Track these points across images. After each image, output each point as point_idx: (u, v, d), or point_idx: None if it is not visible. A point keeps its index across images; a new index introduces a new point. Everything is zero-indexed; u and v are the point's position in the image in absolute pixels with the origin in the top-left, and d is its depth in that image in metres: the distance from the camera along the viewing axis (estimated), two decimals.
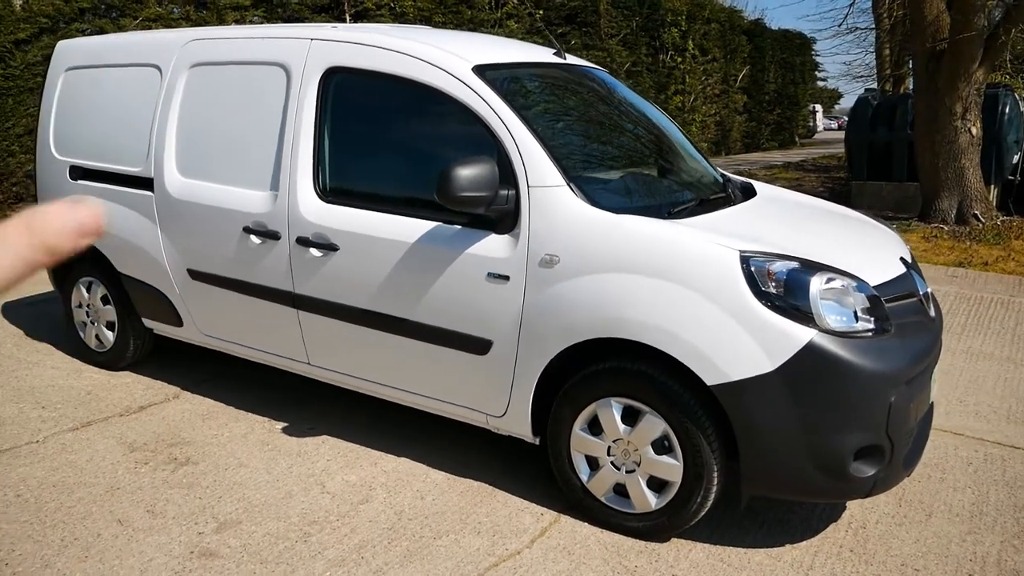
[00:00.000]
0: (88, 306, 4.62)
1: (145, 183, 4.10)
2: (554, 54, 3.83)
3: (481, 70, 3.20)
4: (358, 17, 12.55)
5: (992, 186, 10.83)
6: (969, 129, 9.97)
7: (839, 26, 20.09)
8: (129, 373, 4.57)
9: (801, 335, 2.58)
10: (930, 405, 3.10)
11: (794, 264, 2.69)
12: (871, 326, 2.69)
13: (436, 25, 13.59)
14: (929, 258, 8.32)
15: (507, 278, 3.00)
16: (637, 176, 3.53)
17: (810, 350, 2.57)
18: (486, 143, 3.06)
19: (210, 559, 2.79)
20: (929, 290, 3.13)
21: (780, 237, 3.00)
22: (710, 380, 2.66)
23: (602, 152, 3.58)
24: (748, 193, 3.81)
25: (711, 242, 2.73)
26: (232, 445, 3.68)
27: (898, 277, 2.98)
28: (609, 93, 3.99)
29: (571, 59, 3.99)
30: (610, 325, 2.81)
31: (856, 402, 2.58)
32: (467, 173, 2.82)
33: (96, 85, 4.39)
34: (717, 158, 23.13)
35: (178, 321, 4.18)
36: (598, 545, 2.91)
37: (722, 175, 4.00)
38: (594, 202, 2.93)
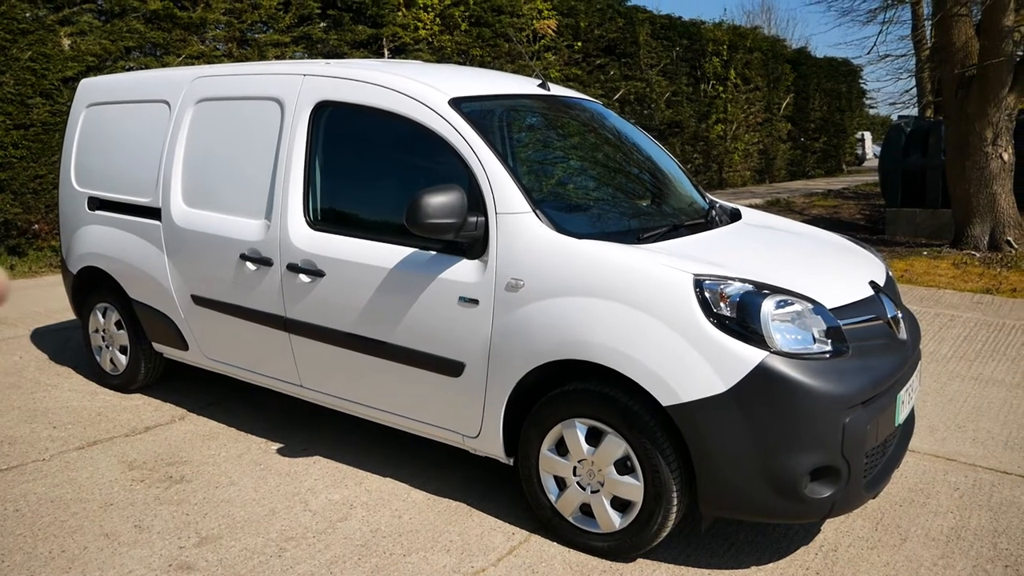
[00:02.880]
0: (103, 331, 4.84)
1: (154, 213, 4.31)
2: (538, 86, 3.94)
3: (457, 102, 3.33)
4: (396, 52, 12.92)
5: None
6: (1001, 155, 9.82)
7: (867, 53, 19.93)
8: (141, 395, 4.76)
9: (752, 356, 2.62)
10: (901, 427, 3.09)
11: (747, 287, 2.73)
12: (827, 348, 2.71)
13: (474, 59, 13.91)
14: (957, 285, 8.18)
15: (476, 302, 3.09)
16: (610, 202, 3.61)
17: (761, 371, 2.60)
18: (459, 172, 3.18)
19: (186, 572, 2.91)
20: (899, 313, 3.13)
21: (744, 261, 3.05)
22: (665, 401, 2.71)
23: (575, 180, 3.68)
24: (734, 218, 3.86)
25: (666, 266, 2.79)
26: (227, 464, 3.81)
27: (862, 300, 3.00)
28: (594, 123, 4.09)
29: (558, 90, 4.10)
30: (572, 347, 2.88)
31: (808, 423, 2.60)
32: (435, 201, 2.94)
33: (113, 120, 4.65)
34: (760, 186, 23.03)
35: (184, 345, 4.36)
36: (563, 564, 2.96)
37: (709, 201, 4.05)
38: (559, 228, 3.02)
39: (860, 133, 35.51)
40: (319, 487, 3.58)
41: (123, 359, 4.75)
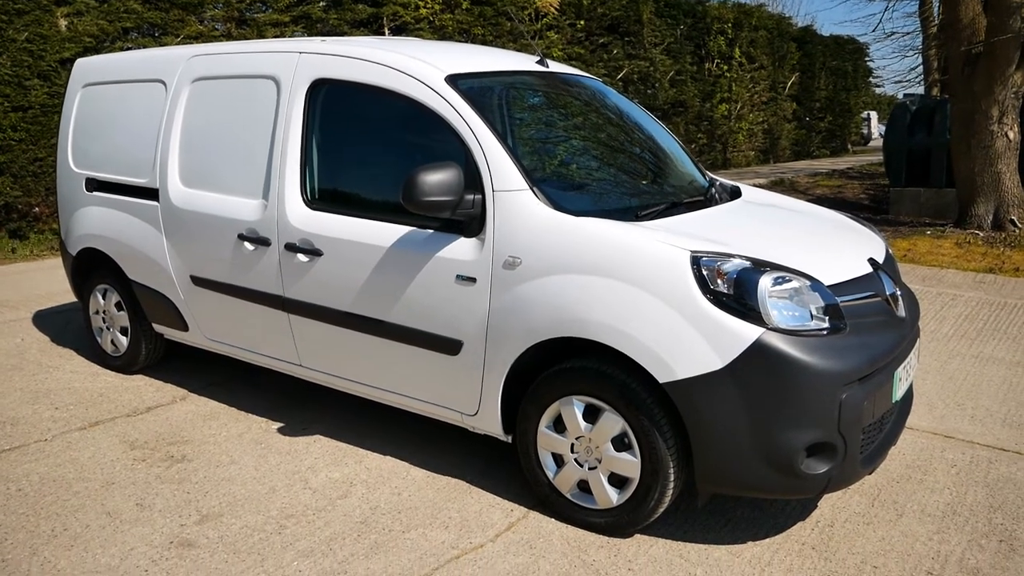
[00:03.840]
0: (104, 312, 4.85)
1: (151, 193, 4.30)
2: (536, 62, 3.92)
3: (453, 79, 3.31)
4: (396, 32, 12.84)
5: None
6: (1006, 133, 9.74)
7: (873, 30, 19.74)
8: (142, 376, 4.78)
9: (749, 333, 2.61)
10: (899, 404, 3.09)
11: (745, 263, 2.72)
12: (824, 324, 2.71)
13: (475, 38, 13.82)
14: (960, 264, 8.16)
15: (474, 280, 3.09)
16: (609, 180, 3.60)
17: (758, 348, 2.60)
18: (456, 150, 3.16)
19: (187, 549, 2.93)
20: (897, 291, 3.12)
21: (742, 238, 3.04)
22: (662, 378, 2.71)
23: (573, 157, 3.66)
24: (734, 196, 3.84)
25: (663, 243, 2.78)
26: (228, 444, 3.83)
27: (861, 277, 2.99)
28: (594, 100, 4.07)
29: (557, 67, 4.08)
30: (569, 325, 2.88)
31: (804, 399, 2.61)
32: (431, 178, 2.93)
33: (110, 100, 4.63)
34: (764, 166, 22.92)
35: (184, 326, 4.37)
36: (561, 540, 2.98)
37: (709, 179, 4.03)
38: (557, 205, 3.01)
39: (866, 112, 35.28)
40: (319, 465, 3.60)
41: (124, 340, 4.77)
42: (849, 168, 21.13)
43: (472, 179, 3.09)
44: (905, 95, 14.86)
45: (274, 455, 3.71)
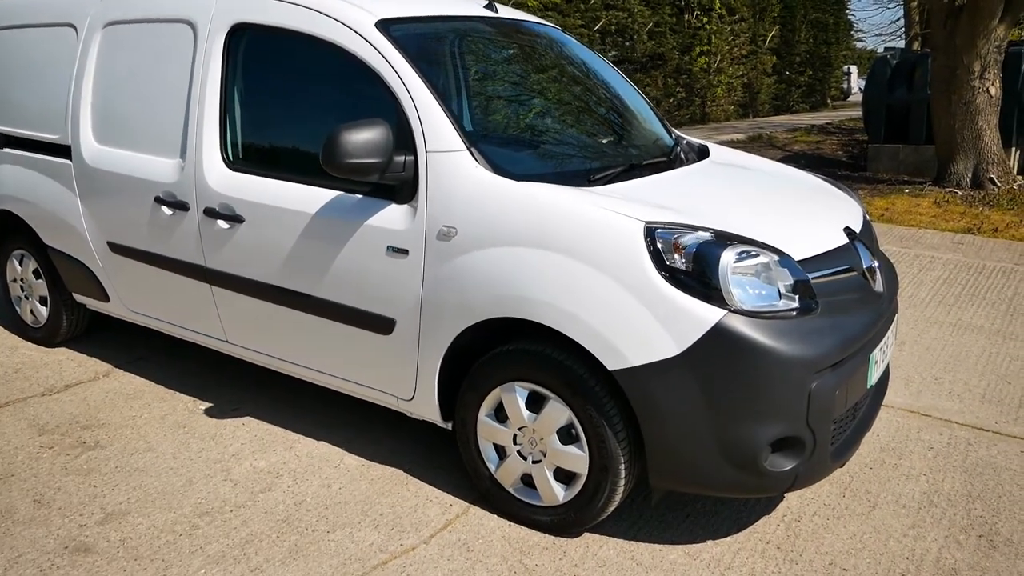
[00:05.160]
0: (21, 280, 4.47)
1: (64, 151, 3.90)
2: (484, 7, 3.53)
3: (386, 24, 2.93)
4: None
5: (1013, 148, 10.30)
6: (987, 89, 9.45)
7: None
8: (65, 349, 4.42)
9: (709, 315, 2.31)
10: (874, 388, 2.82)
11: (706, 235, 2.41)
12: (794, 305, 2.41)
13: None
14: (938, 224, 7.91)
15: (406, 252, 2.76)
16: (560, 140, 3.25)
17: (719, 332, 2.30)
18: (387, 105, 2.80)
19: (82, 555, 2.62)
20: (875, 263, 2.83)
21: (706, 205, 2.73)
22: (611, 365, 2.41)
23: (521, 114, 3.30)
24: (701, 156, 3.52)
25: (614, 212, 2.45)
26: (147, 427, 3.50)
27: (836, 249, 2.68)
28: (549, 51, 3.69)
29: (508, 13, 3.69)
30: (509, 304, 2.56)
31: (770, 390, 2.31)
32: (355, 138, 2.57)
33: (16, 47, 4.19)
34: (743, 121, 22.56)
35: (104, 296, 4.01)
36: (502, 541, 2.70)
37: (676, 138, 3.70)
38: (497, 168, 2.67)
39: (846, 67, 34.87)
40: (244, 452, 3.29)
41: (44, 311, 4.40)
42: (828, 123, 20.82)
43: (404, 138, 2.73)
44: (886, 49, 14.49)
45: (196, 440, 3.39)
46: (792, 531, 2.76)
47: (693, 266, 2.35)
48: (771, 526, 2.79)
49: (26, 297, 4.48)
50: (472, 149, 2.68)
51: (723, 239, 2.40)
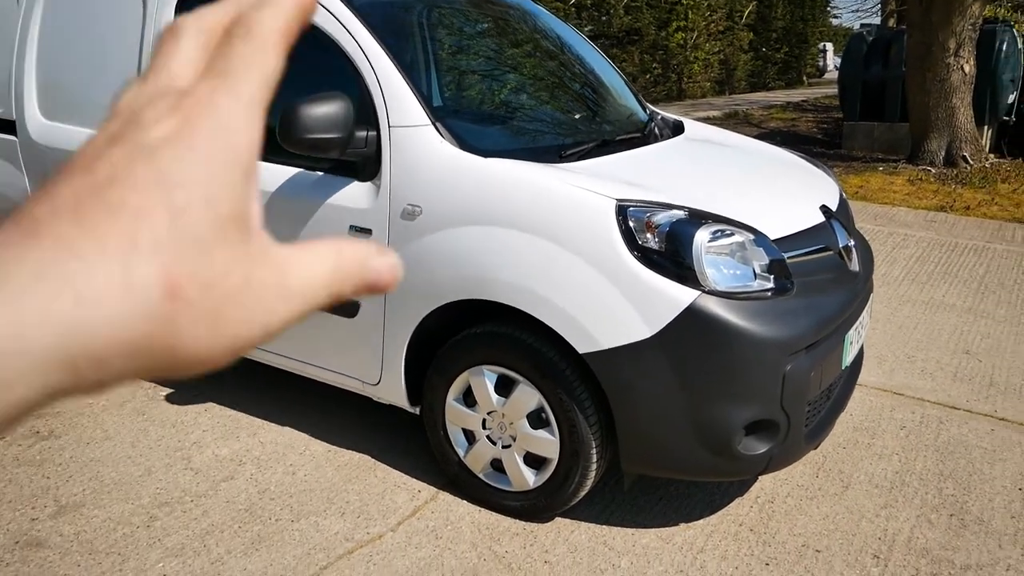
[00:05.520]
0: None
1: (8, 126, 3.73)
2: None
3: None
4: None
5: (986, 127, 10.33)
6: (962, 67, 9.44)
7: None
8: None
9: (682, 297, 2.24)
10: (849, 368, 2.78)
11: (680, 214, 2.33)
12: (769, 285, 2.35)
13: None
14: (911, 202, 7.92)
15: (369, 232, 2.66)
16: (530, 115, 3.15)
17: (692, 313, 2.23)
18: (348, 78, 2.69)
19: (34, 550, 2.52)
20: (851, 242, 2.77)
21: (679, 182, 2.65)
22: (582, 348, 2.34)
23: (490, 88, 3.21)
24: (677, 132, 3.44)
25: (585, 189, 2.37)
26: (104, 415, 3.39)
27: (812, 228, 2.63)
28: (520, 22, 3.59)
29: None
30: (475, 285, 2.48)
31: (744, 372, 2.26)
32: (314, 112, 2.45)
33: None
34: (719, 98, 22.50)
35: None
36: (471, 527, 2.63)
37: (650, 113, 3.62)
38: (464, 143, 2.57)
39: (822, 44, 34.91)
40: (207, 440, 3.19)
41: None
42: (804, 100, 20.82)
43: (366, 113, 2.63)
44: (862, 26, 14.47)
45: (156, 428, 3.28)
46: (765, 513, 2.72)
47: (666, 245, 2.28)
48: (744, 508, 2.75)
49: None
50: (437, 124, 2.58)
51: (697, 218, 2.33)
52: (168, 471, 2.97)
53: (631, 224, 2.29)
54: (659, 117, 3.60)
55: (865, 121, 11.19)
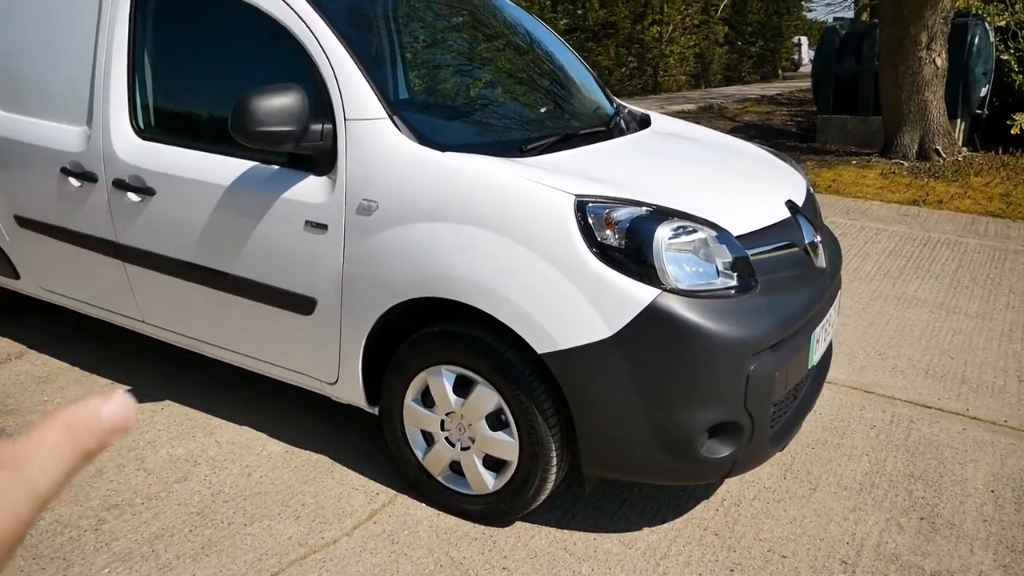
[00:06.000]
0: None
1: None
2: None
3: None
4: None
5: (959, 120, 10.38)
6: (934, 60, 9.46)
7: None
8: None
9: (642, 295, 2.18)
10: (816, 368, 2.73)
11: (639, 211, 2.27)
12: (732, 283, 2.29)
13: None
14: (884, 196, 7.93)
15: (325, 227, 2.58)
16: (490, 108, 3.07)
17: (652, 312, 2.17)
18: (303, 69, 2.60)
19: None
20: (817, 238, 2.73)
21: (642, 178, 2.59)
22: (540, 348, 2.27)
23: (450, 80, 3.13)
24: (643, 126, 3.38)
25: (543, 184, 2.30)
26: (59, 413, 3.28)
27: (776, 224, 2.57)
28: (484, 13, 3.50)
29: None
30: (432, 283, 2.40)
31: (706, 373, 2.20)
32: (266, 104, 2.37)
33: None
34: (694, 91, 22.50)
35: (14, 273, 3.75)
36: (429, 531, 2.56)
37: (617, 106, 3.55)
38: (421, 137, 2.49)
39: (797, 38, 35.03)
40: (162, 439, 3.10)
41: None
42: (778, 94, 20.88)
43: (321, 105, 2.54)
44: (835, 19, 14.50)
45: None
46: (731, 516, 2.67)
47: (626, 242, 2.22)
48: (710, 511, 2.70)
49: None
50: (394, 117, 2.50)
51: (658, 214, 2.27)
52: (120, 471, 2.87)
53: (590, 220, 2.23)
54: (626, 111, 3.54)
55: (838, 115, 11.21)
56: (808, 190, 3.07)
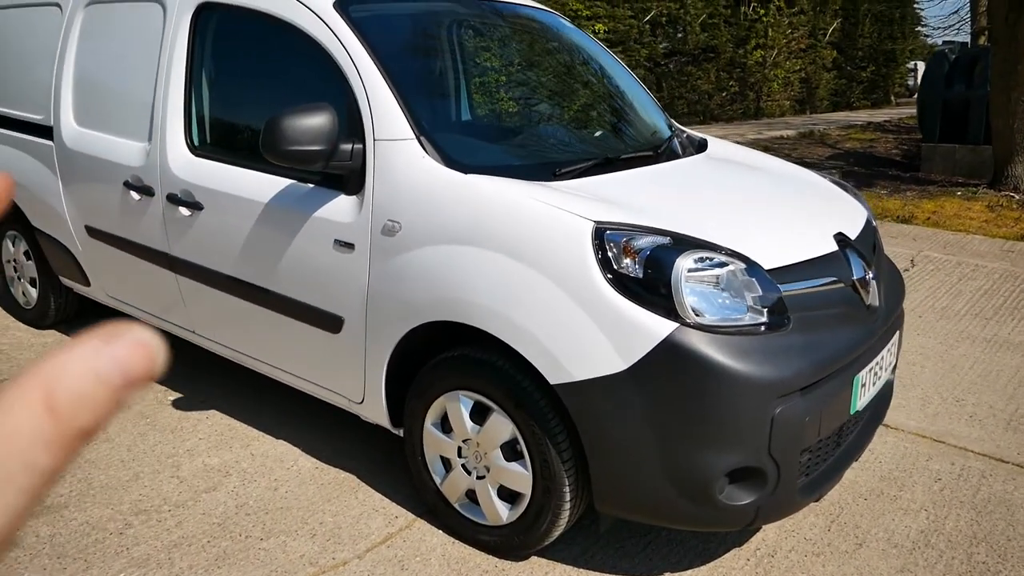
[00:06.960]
0: (14, 262, 4.44)
1: (47, 132, 3.83)
2: None
3: (344, 5, 2.75)
4: None
5: None
6: None
7: None
8: (54, 332, 4.38)
9: (659, 328, 2.07)
10: (865, 413, 2.54)
11: (663, 240, 2.17)
12: (761, 319, 2.15)
13: None
14: (988, 230, 7.43)
15: (352, 247, 2.58)
16: (529, 131, 3.02)
17: (669, 347, 2.06)
18: (339, 90, 2.62)
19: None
20: (869, 274, 2.54)
21: (677, 205, 2.48)
22: (553, 378, 2.19)
23: (490, 103, 3.09)
24: (699, 151, 3.26)
25: (562, 209, 2.23)
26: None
27: (820, 258, 2.41)
28: (538, 36, 3.46)
29: None
30: (450, 307, 2.36)
31: (726, 414, 2.07)
32: (297, 124, 2.40)
33: (5, 26, 4.13)
34: (798, 117, 21.84)
35: (85, 280, 3.93)
36: (440, 560, 2.50)
37: (674, 131, 3.44)
38: (447, 159, 2.46)
39: (913, 63, 33.60)
40: (200, 448, 3.16)
41: (34, 292, 4.35)
42: (887, 121, 20.00)
43: (354, 125, 2.55)
44: (944, 43, 13.81)
45: (156, 433, 3.27)
46: (763, 568, 2.50)
47: (645, 272, 2.12)
48: (740, 561, 2.54)
49: (18, 278, 4.44)
50: (421, 138, 2.48)
51: (680, 244, 2.16)
52: (155, 478, 2.94)
53: (608, 248, 2.14)
54: (684, 135, 3.43)
55: (945, 143, 10.63)
56: (868, 222, 2.87)
